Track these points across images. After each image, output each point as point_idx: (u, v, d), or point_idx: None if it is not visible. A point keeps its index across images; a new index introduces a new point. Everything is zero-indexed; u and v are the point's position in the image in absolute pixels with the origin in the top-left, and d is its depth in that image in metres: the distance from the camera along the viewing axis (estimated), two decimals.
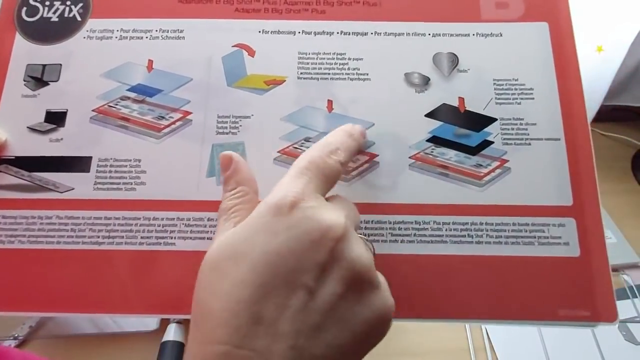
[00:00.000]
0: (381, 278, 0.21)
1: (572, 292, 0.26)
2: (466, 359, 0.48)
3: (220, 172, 0.25)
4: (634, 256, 0.55)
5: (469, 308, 0.26)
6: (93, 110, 0.29)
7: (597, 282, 0.26)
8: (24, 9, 0.31)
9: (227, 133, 0.28)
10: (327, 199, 0.22)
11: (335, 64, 0.30)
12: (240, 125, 0.29)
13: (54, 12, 0.31)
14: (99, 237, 0.27)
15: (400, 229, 0.27)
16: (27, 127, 0.29)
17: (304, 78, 0.29)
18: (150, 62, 0.30)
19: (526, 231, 0.27)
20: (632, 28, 0.51)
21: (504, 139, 0.28)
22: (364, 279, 0.20)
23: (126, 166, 0.28)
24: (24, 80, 0.30)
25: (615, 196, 0.63)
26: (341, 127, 0.25)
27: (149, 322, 0.51)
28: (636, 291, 0.51)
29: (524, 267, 0.26)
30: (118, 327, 0.50)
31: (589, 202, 0.27)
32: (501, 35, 0.30)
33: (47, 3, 0.31)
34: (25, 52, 0.30)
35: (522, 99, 0.29)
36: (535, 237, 0.27)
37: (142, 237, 0.27)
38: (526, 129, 0.28)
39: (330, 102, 0.29)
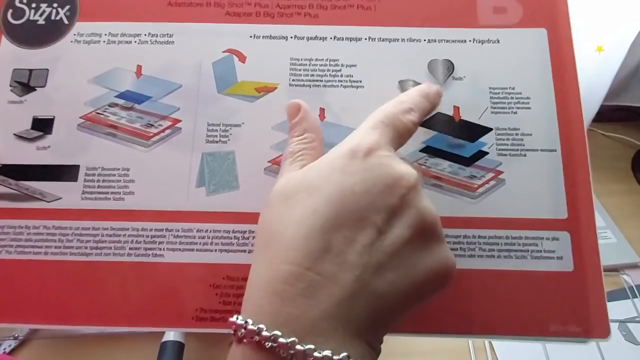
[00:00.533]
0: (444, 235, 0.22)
1: (564, 307, 0.25)
2: (466, 359, 0.48)
3: (288, 119, 0.25)
4: (634, 256, 0.55)
5: (460, 323, 0.25)
6: (81, 117, 0.28)
7: (591, 297, 0.25)
8: (10, 11, 0.30)
9: (217, 142, 0.28)
10: None
11: (328, 70, 0.29)
12: (231, 134, 0.28)
13: (41, 15, 0.30)
14: (86, 247, 0.26)
15: None
16: (14, 135, 0.28)
17: (296, 85, 0.29)
18: (139, 67, 0.29)
19: (519, 245, 0.26)
20: (632, 28, 0.50)
21: (499, 149, 0.28)
22: (430, 229, 0.20)
23: (114, 175, 0.27)
24: (10, 86, 0.29)
25: (615, 196, 0.63)
26: (417, 87, 0.25)
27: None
28: (636, 291, 0.51)
29: (516, 282, 0.26)
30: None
31: (584, 216, 0.27)
32: (498, 41, 0.29)
33: (34, 5, 0.30)
34: (11, 56, 0.29)
35: (518, 108, 0.28)
36: (528, 251, 0.26)
37: (130, 249, 0.26)
38: (522, 140, 0.28)
39: (322, 110, 0.28)
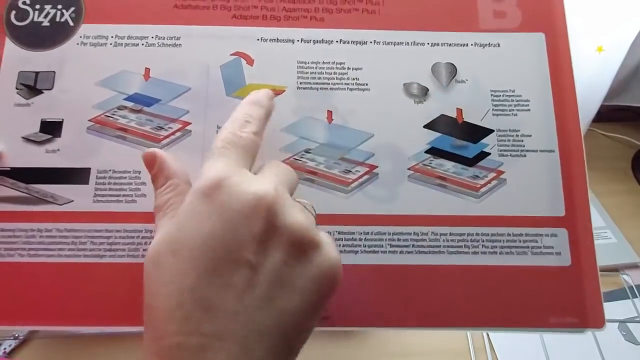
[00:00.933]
0: (323, 236, 0.21)
1: (562, 300, 0.27)
2: (466, 359, 0.48)
3: (148, 171, 0.24)
4: (634, 256, 0.55)
5: (465, 317, 0.27)
6: (90, 120, 0.29)
7: (587, 290, 0.27)
8: (13, 12, 0.30)
9: None
10: (259, 169, 0.23)
11: (335, 73, 0.30)
12: None
13: (45, 17, 0.30)
14: (100, 249, 0.27)
15: (399, 240, 0.27)
16: (22, 137, 0.28)
17: (304, 88, 0.29)
18: (147, 70, 0.29)
19: (520, 241, 0.28)
20: (632, 28, 0.50)
21: (500, 150, 0.29)
22: (303, 241, 0.20)
23: (126, 178, 0.28)
24: (17, 89, 0.29)
25: (615, 196, 0.62)
26: (246, 98, 0.25)
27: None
28: (636, 291, 0.51)
29: (517, 277, 0.27)
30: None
31: (581, 213, 0.28)
32: (499, 45, 0.31)
33: (38, 7, 0.30)
34: (16, 58, 0.29)
35: (518, 110, 0.29)
36: (528, 247, 0.27)
37: (144, 250, 0.27)
38: (522, 141, 0.29)
39: (330, 112, 0.29)
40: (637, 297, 0.51)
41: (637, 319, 0.49)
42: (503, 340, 0.49)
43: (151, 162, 0.24)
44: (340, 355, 0.49)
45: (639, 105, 0.64)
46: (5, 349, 0.50)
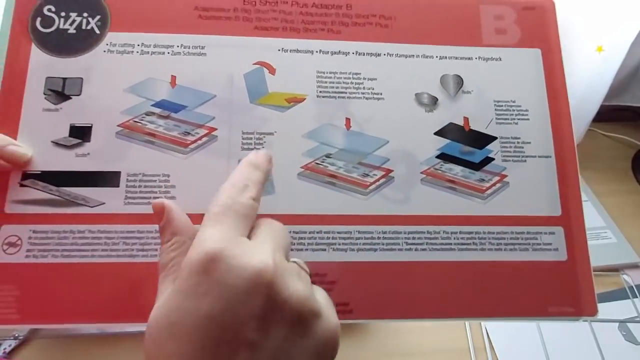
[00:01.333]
0: (321, 300, 0.22)
1: (560, 291, 0.30)
2: (466, 359, 0.49)
3: (156, 221, 0.24)
4: (634, 256, 0.56)
5: (474, 308, 0.29)
6: (119, 125, 0.30)
7: (581, 282, 0.30)
8: (39, 19, 0.31)
9: (252, 149, 0.30)
10: (253, 227, 0.23)
11: (352, 83, 0.32)
12: (265, 142, 0.30)
13: (71, 24, 0.31)
14: (132, 250, 0.28)
15: (414, 238, 0.30)
16: (52, 142, 0.29)
17: (323, 96, 0.31)
18: (173, 77, 0.31)
19: (522, 239, 0.30)
20: (632, 28, 0.51)
21: (503, 156, 0.32)
22: (304, 313, 0.20)
23: (155, 181, 0.29)
24: (44, 94, 0.30)
25: (615, 196, 0.61)
26: (245, 160, 0.25)
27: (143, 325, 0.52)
28: (636, 291, 0.52)
29: (520, 271, 0.30)
30: (119, 327, 0.51)
31: (575, 212, 0.31)
32: (500, 59, 0.33)
33: (63, 14, 0.31)
34: (43, 64, 0.30)
35: (518, 119, 0.32)
36: (529, 244, 0.30)
37: None
38: (522, 147, 0.32)
39: (348, 120, 0.31)
40: (637, 297, 0.51)
41: (637, 319, 0.50)
42: (503, 340, 0.49)
43: (160, 213, 0.24)
44: (340, 355, 0.49)
45: (639, 105, 0.64)
46: (5, 349, 0.50)
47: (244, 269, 0.19)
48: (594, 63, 0.54)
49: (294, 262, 0.23)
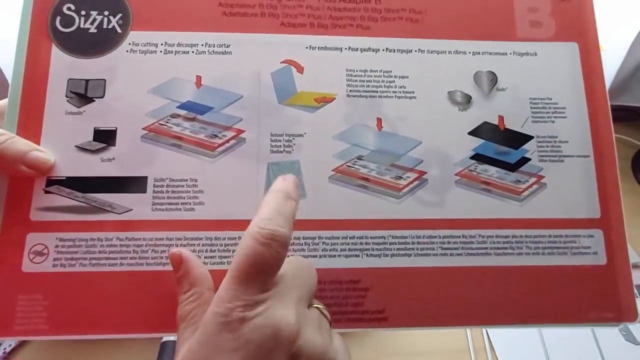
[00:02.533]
0: (338, 347, 0.23)
1: (599, 296, 0.29)
2: (466, 359, 0.49)
3: (173, 270, 0.25)
4: (634, 256, 0.55)
5: (512, 314, 0.28)
6: (144, 129, 0.29)
7: (621, 286, 0.29)
8: (58, 18, 0.30)
9: (281, 152, 0.29)
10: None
11: (383, 81, 0.31)
12: (294, 144, 0.29)
13: (92, 23, 0.30)
14: (162, 257, 0.27)
15: (449, 242, 0.29)
16: (76, 146, 0.28)
17: (353, 96, 0.30)
18: (199, 78, 0.30)
19: (560, 242, 0.29)
20: (632, 28, 0.51)
21: (540, 156, 0.30)
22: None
23: (183, 186, 0.28)
24: (67, 97, 0.29)
25: None
26: (273, 189, 0.24)
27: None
28: (636, 291, 0.52)
29: (558, 276, 0.29)
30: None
31: (615, 214, 0.30)
32: (536, 54, 0.32)
33: (83, 13, 0.30)
34: (64, 65, 0.29)
35: (555, 117, 0.31)
36: (568, 248, 0.29)
37: (205, 257, 0.27)
38: (559, 147, 0.31)
39: (379, 120, 0.30)
40: (637, 297, 0.52)
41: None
42: (503, 340, 0.50)
43: (177, 263, 0.24)
44: None
45: (639, 105, 0.64)
46: (5, 349, 0.50)
47: (270, 327, 0.20)
48: None
49: (317, 307, 0.24)
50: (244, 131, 0.29)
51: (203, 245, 0.27)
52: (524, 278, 0.29)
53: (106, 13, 0.30)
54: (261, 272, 0.21)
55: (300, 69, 0.30)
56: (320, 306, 0.24)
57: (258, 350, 0.20)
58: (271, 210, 0.23)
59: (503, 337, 0.50)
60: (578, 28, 0.33)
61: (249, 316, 0.20)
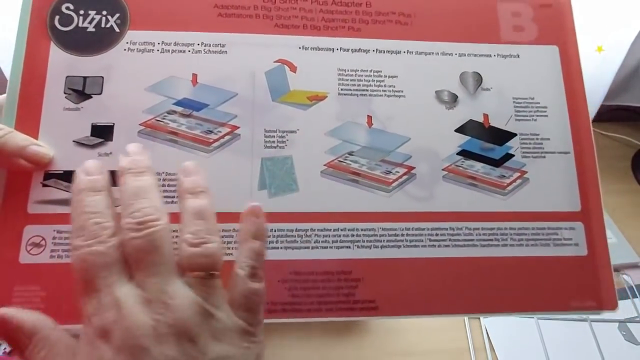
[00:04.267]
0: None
1: (581, 285, 0.30)
2: (466, 359, 0.49)
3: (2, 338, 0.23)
4: (634, 256, 0.56)
5: (497, 302, 0.30)
6: (140, 124, 0.29)
7: (601, 276, 0.30)
8: (57, 17, 0.30)
9: (275, 147, 0.30)
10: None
11: (373, 80, 0.32)
12: (287, 140, 0.30)
13: (90, 22, 0.31)
14: None
15: (437, 235, 0.30)
16: (73, 141, 0.29)
17: (344, 94, 0.31)
18: (195, 76, 0.31)
19: (543, 234, 0.31)
20: (632, 28, 0.51)
21: (523, 152, 0.32)
22: (203, 317, 0.22)
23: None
24: (65, 93, 0.29)
25: (615, 196, 0.62)
26: (77, 188, 0.24)
27: None
28: (636, 291, 0.52)
29: (541, 266, 0.30)
30: None
31: (594, 207, 0.31)
32: (518, 56, 0.33)
33: (82, 12, 0.31)
34: (62, 63, 0.30)
35: (537, 116, 0.32)
36: (550, 239, 0.31)
37: None
38: (541, 144, 0.32)
39: (369, 117, 0.31)
40: (637, 297, 0.52)
41: (637, 319, 0.50)
42: (503, 340, 0.49)
43: (1, 328, 0.22)
44: (340, 354, 0.49)
45: (639, 105, 0.64)
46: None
47: (139, 326, 0.20)
48: (594, 63, 0.54)
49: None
50: (238, 127, 0.30)
51: None
52: (509, 268, 0.30)
53: (104, 13, 0.31)
54: (102, 270, 0.22)
55: (293, 69, 0.31)
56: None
57: (137, 350, 0.20)
58: (80, 215, 0.23)
59: (503, 336, 0.50)
60: (558, 32, 0.34)
61: (118, 318, 0.21)
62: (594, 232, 0.31)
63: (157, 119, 0.30)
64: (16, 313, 0.22)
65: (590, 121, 0.33)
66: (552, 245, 0.30)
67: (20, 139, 0.27)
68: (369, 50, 0.32)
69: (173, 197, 0.29)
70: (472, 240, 0.30)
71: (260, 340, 0.23)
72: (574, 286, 0.30)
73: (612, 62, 0.54)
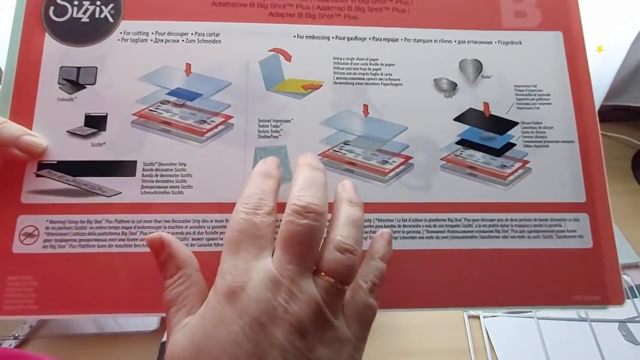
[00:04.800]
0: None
1: (585, 279, 0.29)
2: (466, 359, 0.49)
3: (154, 257, 0.24)
4: (634, 256, 0.56)
5: (497, 296, 0.29)
6: (134, 114, 0.29)
7: (607, 270, 0.29)
8: (52, 8, 0.30)
9: (268, 137, 0.30)
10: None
11: (369, 69, 0.31)
12: (281, 129, 0.30)
13: (84, 13, 0.31)
14: None
15: (435, 226, 0.29)
16: (67, 132, 0.29)
17: (340, 83, 0.31)
18: (188, 65, 0.30)
19: (546, 226, 0.30)
20: (632, 28, 0.51)
21: (525, 141, 0.31)
22: (319, 319, 0.22)
23: (172, 170, 0.29)
24: (59, 83, 0.29)
25: (615, 196, 0.57)
26: (255, 171, 0.26)
27: (150, 322, 0.52)
28: (636, 291, 0.52)
29: (544, 259, 0.29)
30: (119, 327, 0.51)
31: (600, 198, 0.30)
32: (520, 43, 0.32)
33: (76, 3, 0.31)
34: (57, 53, 0.30)
35: (540, 104, 0.31)
36: (553, 231, 0.29)
37: (193, 239, 0.28)
38: (544, 132, 0.31)
39: (365, 106, 0.31)
40: (637, 297, 0.51)
41: (637, 319, 0.49)
42: (503, 340, 0.49)
43: (158, 248, 0.24)
44: None
45: (639, 105, 0.64)
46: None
47: (264, 300, 0.21)
48: (594, 63, 0.53)
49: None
50: (232, 117, 0.30)
51: (191, 227, 0.28)
52: (510, 261, 0.29)
53: (98, 3, 0.31)
54: (252, 241, 0.23)
55: (288, 57, 0.31)
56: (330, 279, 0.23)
57: (254, 322, 0.21)
58: (252, 188, 0.25)
59: (503, 337, 0.49)
60: (562, 18, 0.33)
61: (245, 287, 0.21)
62: (599, 223, 0.30)
63: (151, 108, 0.29)
64: (173, 241, 0.24)
65: (596, 109, 0.31)
66: (555, 237, 0.29)
67: (14, 129, 0.27)
68: (365, 38, 0.32)
69: (166, 187, 0.28)
70: (471, 231, 0.29)
71: (359, 359, 0.24)
72: (578, 280, 0.29)
73: (612, 62, 0.54)
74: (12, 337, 0.50)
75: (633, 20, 0.52)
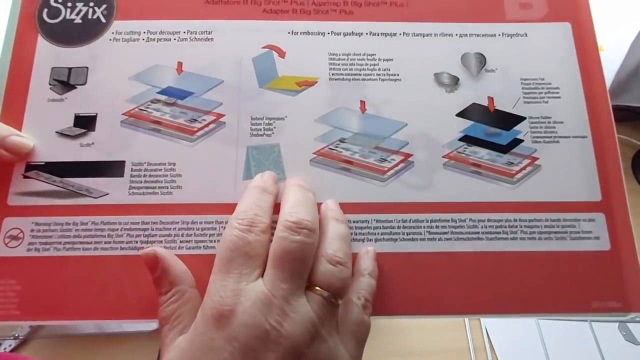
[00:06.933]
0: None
1: (603, 284, 0.27)
2: (466, 359, 0.48)
3: (150, 272, 0.24)
4: None
5: (506, 303, 0.26)
6: (123, 114, 0.29)
7: (627, 274, 0.27)
8: (45, 10, 0.30)
9: (261, 135, 0.28)
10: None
11: (366, 64, 0.30)
12: (275, 127, 0.29)
13: (77, 14, 0.30)
14: (137, 242, 0.26)
15: (437, 227, 0.27)
16: (56, 132, 0.28)
17: (336, 79, 0.30)
18: (180, 64, 0.30)
19: (558, 227, 0.27)
20: (632, 28, 0.51)
21: (534, 137, 0.29)
22: (314, 340, 0.21)
23: (161, 170, 0.28)
24: (50, 84, 0.29)
25: None
26: (251, 185, 0.25)
27: (150, 322, 0.51)
28: None
29: (557, 262, 0.27)
30: (118, 327, 0.50)
31: (617, 197, 0.28)
32: (526, 35, 0.31)
33: (69, 4, 0.30)
34: (49, 55, 0.29)
35: (549, 97, 0.30)
36: (567, 232, 0.27)
37: (181, 242, 0.26)
38: (554, 127, 0.29)
39: (362, 102, 0.29)
40: None
41: (637, 319, 0.48)
42: (503, 340, 0.49)
43: (153, 264, 0.24)
44: None
45: (639, 105, 0.63)
46: (5, 349, 0.49)
47: (255, 325, 0.20)
48: None
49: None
50: (223, 115, 0.29)
51: (179, 229, 0.27)
52: (519, 264, 0.27)
53: (91, 4, 0.30)
54: (244, 261, 0.22)
55: (282, 54, 0.30)
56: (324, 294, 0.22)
57: (245, 348, 0.20)
58: (248, 202, 0.24)
59: (503, 337, 0.49)
60: (571, 9, 0.31)
61: (235, 310, 0.21)
62: (617, 224, 0.28)
63: (141, 108, 0.29)
64: (167, 257, 0.24)
65: (610, 102, 0.29)
66: (568, 239, 0.27)
67: (1, 129, 0.27)
68: (362, 33, 0.31)
69: (154, 187, 0.27)
70: (477, 232, 0.27)
71: None
72: (595, 285, 0.27)
73: (612, 62, 0.54)
74: (12, 337, 0.49)
75: (633, 20, 0.51)
